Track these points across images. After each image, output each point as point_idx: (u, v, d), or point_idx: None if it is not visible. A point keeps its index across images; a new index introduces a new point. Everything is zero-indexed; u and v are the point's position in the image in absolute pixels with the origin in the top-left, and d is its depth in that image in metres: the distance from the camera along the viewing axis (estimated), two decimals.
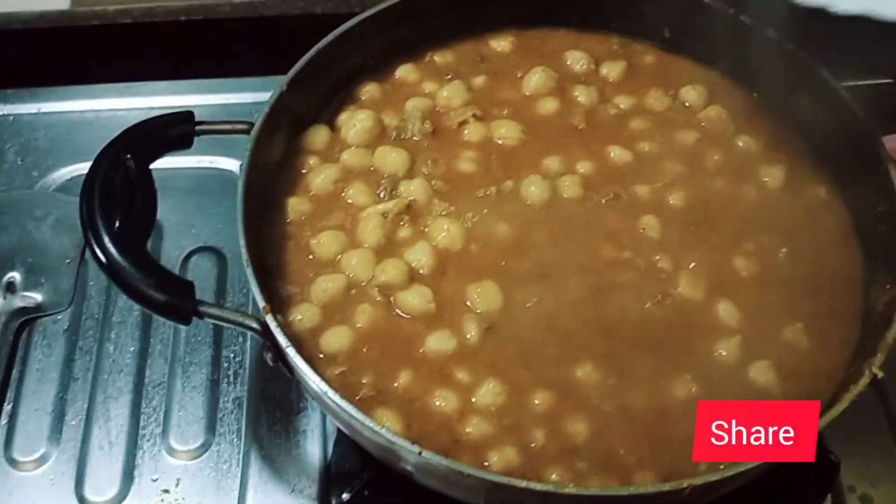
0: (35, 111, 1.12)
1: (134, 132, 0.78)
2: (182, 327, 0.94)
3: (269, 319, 0.70)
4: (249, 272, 0.72)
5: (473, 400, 0.72)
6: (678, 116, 0.90)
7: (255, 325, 0.71)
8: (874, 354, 0.69)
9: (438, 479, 0.68)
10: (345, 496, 0.79)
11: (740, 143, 0.89)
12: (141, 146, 0.77)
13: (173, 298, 0.70)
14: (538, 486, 0.63)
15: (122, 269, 0.70)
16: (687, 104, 0.91)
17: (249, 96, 1.14)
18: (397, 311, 0.76)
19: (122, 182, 0.75)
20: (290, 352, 0.69)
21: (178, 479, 0.85)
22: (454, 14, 0.94)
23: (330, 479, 0.84)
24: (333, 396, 0.66)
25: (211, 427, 0.88)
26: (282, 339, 0.69)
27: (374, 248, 0.79)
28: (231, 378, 0.91)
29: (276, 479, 0.85)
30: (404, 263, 0.77)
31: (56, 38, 1.24)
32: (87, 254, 0.97)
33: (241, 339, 0.94)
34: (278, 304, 0.75)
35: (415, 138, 0.87)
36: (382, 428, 0.65)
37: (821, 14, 0.71)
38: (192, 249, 1.00)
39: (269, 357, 0.73)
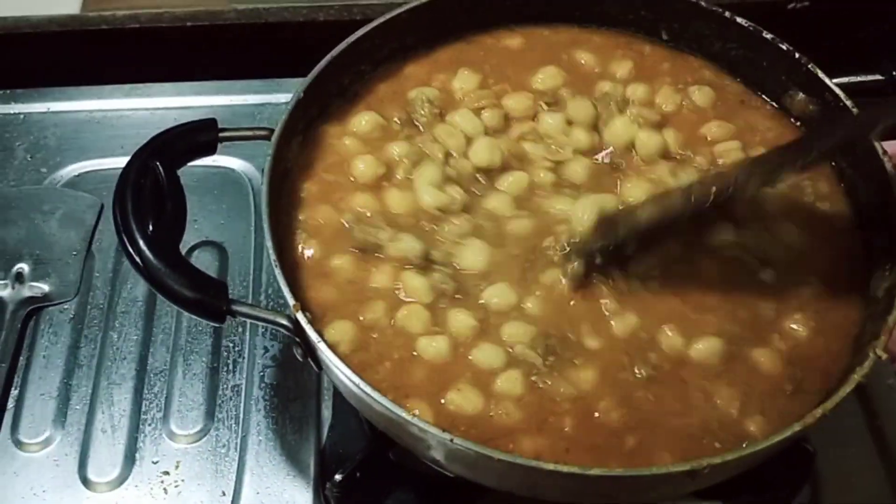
0: (44, 110, 1.16)
1: (161, 139, 0.81)
2: (183, 317, 0.97)
3: (300, 317, 0.72)
4: (278, 272, 0.74)
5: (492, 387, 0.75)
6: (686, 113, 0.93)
7: (286, 322, 0.73)
8: (877, 338, 0.72)
9: (466, 465, 0.72)
10: (337, 477, 0.82)
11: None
12: (168, 153, 0.80)
13: (207, 298, 0.73)
14: (565, 469, 0.66)
15: (157, 270, 0.72)
16: (695, 103, 0.94)
17: (252, 98, 1.18)
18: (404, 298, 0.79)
19: (152, 188, 0.77)
20: (322, 347, 0.71)
21: (177, 462, 0.89)
22: (461, 17, 0.97)
23: (324, 463, 0.88)
24: (366, 388, 0.69)
25: (210, 413, 0.92)
26: (313, 336, 0.72)
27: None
28: (230, 366, 0.95)
29: (273, 463, 0.88)
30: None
31: (65, 41, 1.28)
32: (94, 247, 1.03)
33: (240, 330, 0.97)
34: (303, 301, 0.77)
35: (422, 123, 0.90)
36: (414, 418, 0.68)
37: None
38: (194, 244, 1.03)
39: (298, 353, 0.75)
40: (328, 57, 0.90)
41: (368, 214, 0.82)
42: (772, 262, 0.82)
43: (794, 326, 0.79)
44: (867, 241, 0.84)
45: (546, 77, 0.94)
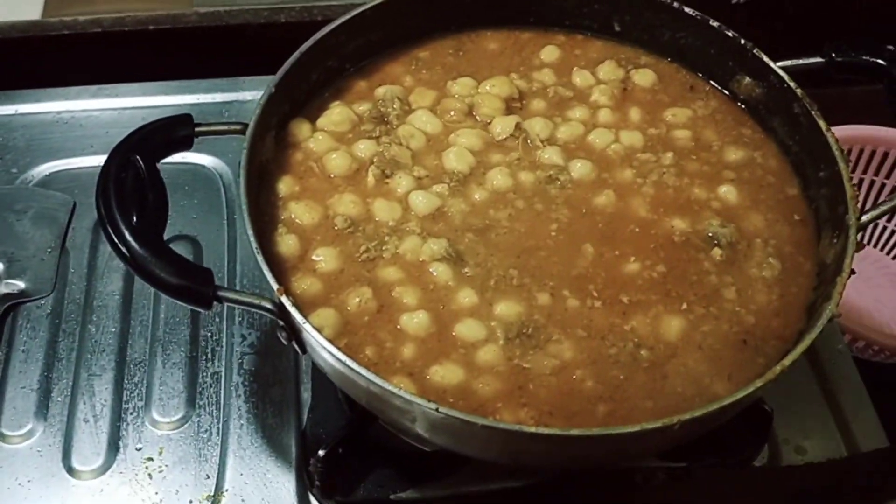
0: (12, 112, 1.17)
1: (139, 135, 0.83)
2: (161, 309, 0.99)
3: (284, 300, 0.74)
4: (260, 258, 0.76)
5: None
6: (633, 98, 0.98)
7: (270, 305, 0.76)
8: (829, 300, 0.77)
9: (450, 435, 0.75)
10: (321, 452, 0.84)
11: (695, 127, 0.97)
12: (147, 147, 0.82)
13: (194, 285, 0.75)
14: (546, 431, 0.69)
15: (144, 260, 0.74)
16: (639, 87, 0.99)
17: (219, 96, 1.20)
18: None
19: (133, 181, 0.79)
20: (307, 328, 0.73)
21: (161, 448, 0.90)
22: (424, 17, 1.01)
23: (306, 443, 0.90)
24: (351, 364, 0.71)
25: (191, 400, 0.94)
26: (298, 318, 0.74)
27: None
28: (209, 355, 0.97)
29: (255, 446, 0.91)
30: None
31: (28, 47, 1.29)
32: (69, 244, 1.04)
33: (217, 319, 0.99)
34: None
35: (394, 118, 0.93)
36: (401, 389, 0.70)
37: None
38: (168, 238, 1.03)
39: (282, 336, 0.78)
40: (297, 53, 0.92)
41: (361, 229, 0.86)
42: (728, 238, 0.87)
43: (752, 299, 0.84)
44: (815, 211, 0.89)
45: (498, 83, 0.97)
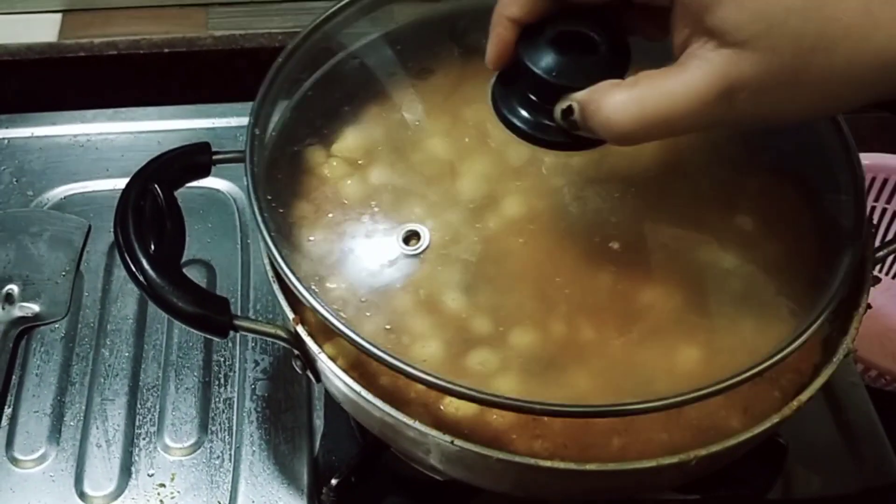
0: (28, 135, 1.18)
1: (158, 163, 0.83)
2: (174, 334, 1.00)
3: (300, 329, 0.74)
4: (276, 287, 0.76)
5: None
6: None
7: (285, 335, 0.76)
8: (845, 334, 0.76)
9: (464, 467, 0.75)
10: (333, 482, 0.84)
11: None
12: (166, 175, 0.82)
13: (211, 314, 0.75)
14: (562, 465, 0.69)
15: (161, 289, 0.74)
16: None
17: (234, 120, 1.21)
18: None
19: (151, 209, 0.79)
20: (322, 357, 0.73)
21: (173, 474, 0.90)
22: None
23: (317, 470, 0.90)
24: (367, 395, 0.72)
25: (203, 426, 0.94)
26: (314, 347, 0.74)
27: None
28: (222, 381, 0.97)
29: (267, 472, 0.91)
30: None
31: (44, 69, 1.30)
32: (83, 267, 1.05)
33: (230, 345, 0.99)
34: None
35: (408, 144, 0.93)
36: (416, 422, 0.70)
37: None
38: (182, 262, 1.04)
39: (297, 365, 0.77)
40: (311, 79, 0.93)
41: None
42: (743, 271, 0.86)
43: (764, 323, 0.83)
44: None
45: None
